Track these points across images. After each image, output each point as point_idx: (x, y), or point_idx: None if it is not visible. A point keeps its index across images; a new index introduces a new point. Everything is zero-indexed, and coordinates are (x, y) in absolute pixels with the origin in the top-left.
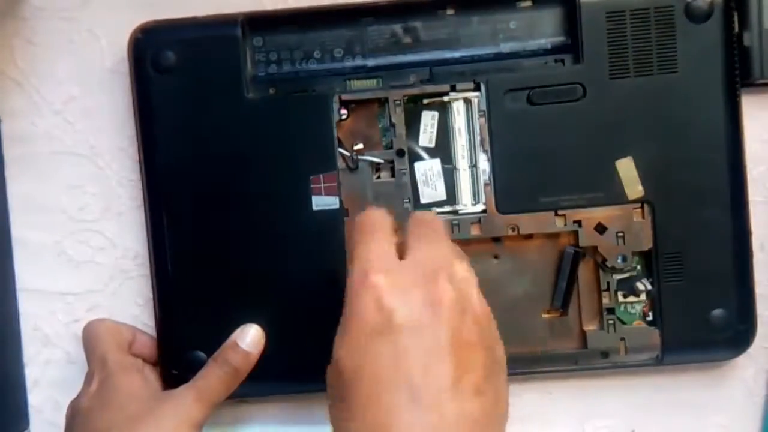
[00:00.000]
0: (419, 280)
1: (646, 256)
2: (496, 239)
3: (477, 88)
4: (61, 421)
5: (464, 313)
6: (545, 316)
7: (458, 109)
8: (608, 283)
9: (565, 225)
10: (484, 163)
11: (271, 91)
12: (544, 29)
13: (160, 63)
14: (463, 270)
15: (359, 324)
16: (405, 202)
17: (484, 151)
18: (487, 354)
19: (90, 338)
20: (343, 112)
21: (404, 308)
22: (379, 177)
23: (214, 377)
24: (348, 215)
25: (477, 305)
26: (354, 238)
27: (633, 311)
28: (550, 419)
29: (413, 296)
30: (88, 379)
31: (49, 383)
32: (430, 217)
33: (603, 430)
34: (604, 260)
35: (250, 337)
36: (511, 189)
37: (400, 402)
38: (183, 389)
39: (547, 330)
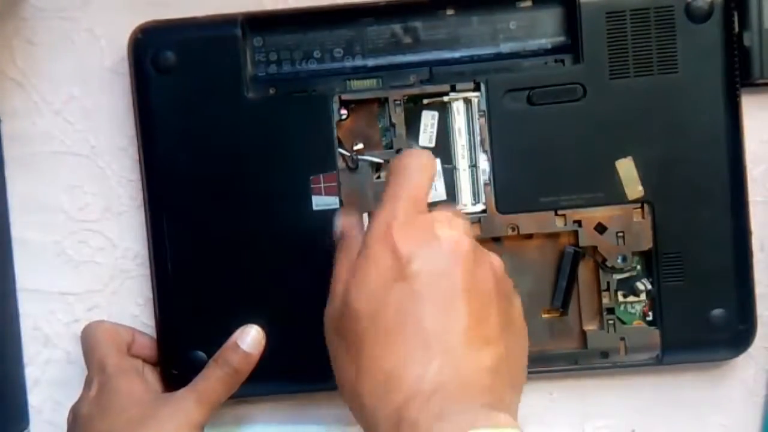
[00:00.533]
0: (439, 230)
1: (646, 256)
2: (496, 239)
3: (477, 88)
4: (61, 421)
5: (480, 263)
6: (545, 316)
7: (458, 109)
8: (608, 283)
9: (565, 225)
10: (484, 163)
11: (271, 91)
12: (544, 29)
13: (160, 63)
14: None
15: (377, 271)
16: None
17: (484, 151)
18: (501, 306)
19: (88, 342)
20: (343, 112)
21: (421, 257)
22: (379, 177)
23: (214, 379)
24: None
25: (493, 258)
26: (388, 179)
27: (633, 311)
28: (550, 419)
29: (431, 246)
30: (88, 383)
31: (49, 383)
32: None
33: (603, 430)
34: (604, 260)
35: (250, 338)
36: (511, 189)
37: (412, 349)
38: (184, 392)
39: (547, 330)
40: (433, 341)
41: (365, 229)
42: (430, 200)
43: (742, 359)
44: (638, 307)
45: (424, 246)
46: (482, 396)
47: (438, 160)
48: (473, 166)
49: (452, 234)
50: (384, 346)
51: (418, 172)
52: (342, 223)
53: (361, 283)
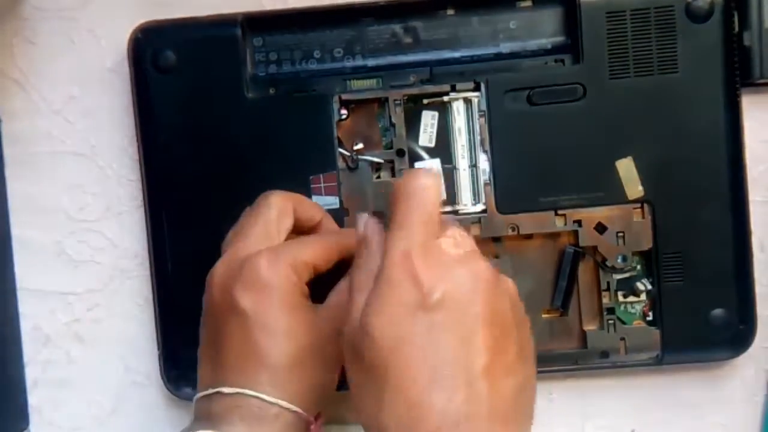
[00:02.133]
0: (459, 256)
1: (646, 256)
2: (496, 239)
3: (477, 88)
4: (61, 421)
5: (499, 289)
6: (545, 316)
7: (458, 109)
8: (608, 283)
9: (565, 225)
10: (484, 163)
11: (271, 91)
12: (544, 29)
13: (160, 63)
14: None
15: (398, 300)
16: None
17: (484, 151)
18: (519, 332)
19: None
20: (343, 112)
21: (443, 287)
22: (379, 177)
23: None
24: (348, 215)
25: (509, 282)
26: (396, 201)
27: (633, 311)
28: (550, 419)
29: (453, 273)
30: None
31: (49, 383)
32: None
33: (603, 430)
34: (604, 260)
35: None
36: (511, 189)
37: (436, 380)
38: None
39: (547, 330)
40: (457, 372)
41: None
42: None
43: (742, 359)
44: (638, 307)
45: (445, 275)
46: (506, 426)
47: (438, 160)
48: (473, 166)
49: (472, 261)
50: (408, 377)
51: (427, 196)
52: (365, 226)
53: (382, 312)
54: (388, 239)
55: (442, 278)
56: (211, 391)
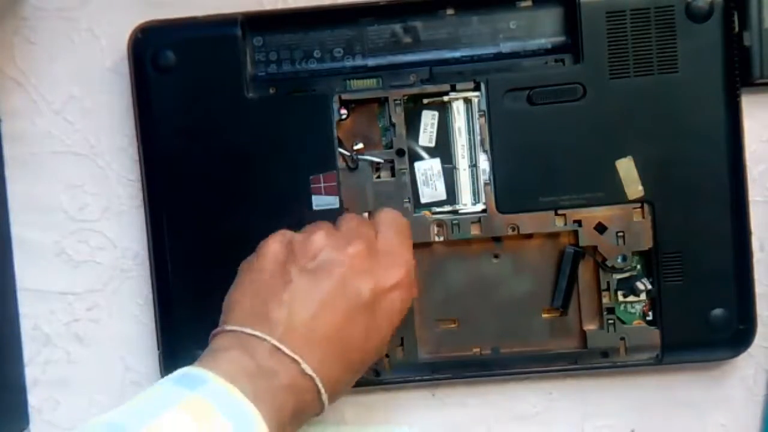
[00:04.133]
0: None
1: (646, 256)
2: (496, 239)
3: (477, 88)
4: (61, 421)
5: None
6: (545, 315)
7: (458, 109)
8: (608, 282)
9: (565, 225)
10: (484, 163)
11: (271, 91)
12: (544, 29)
13: (160, 63)
14: None
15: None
16: (405, 201)
17: (484, 150)
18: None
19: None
20: (343, 112)
21: None
22: (379, 177)
23: None
24: None
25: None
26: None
27: (633, 311)
28: (550, 419)
29: None
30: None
31: (49, 383)
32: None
33: (603, 430)
34: (604, 260)
35: None
36: (511, 188)
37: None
38: None
39: (547, 330)
40: None
41: None
42: (429, 201)
43: (742, 359)
44: (638, 307)
45: None
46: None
47: (438, 160)
48: (473, 165)
49: None
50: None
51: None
52: None
53: None
54: None
55: None
56: (274, 342)
